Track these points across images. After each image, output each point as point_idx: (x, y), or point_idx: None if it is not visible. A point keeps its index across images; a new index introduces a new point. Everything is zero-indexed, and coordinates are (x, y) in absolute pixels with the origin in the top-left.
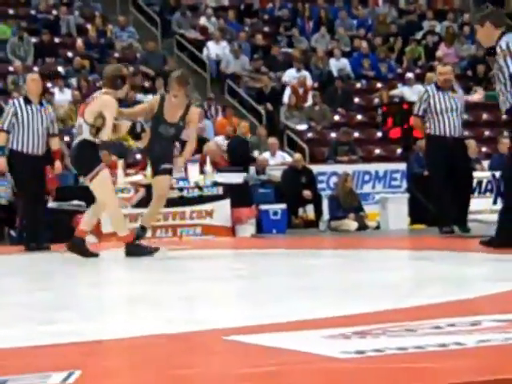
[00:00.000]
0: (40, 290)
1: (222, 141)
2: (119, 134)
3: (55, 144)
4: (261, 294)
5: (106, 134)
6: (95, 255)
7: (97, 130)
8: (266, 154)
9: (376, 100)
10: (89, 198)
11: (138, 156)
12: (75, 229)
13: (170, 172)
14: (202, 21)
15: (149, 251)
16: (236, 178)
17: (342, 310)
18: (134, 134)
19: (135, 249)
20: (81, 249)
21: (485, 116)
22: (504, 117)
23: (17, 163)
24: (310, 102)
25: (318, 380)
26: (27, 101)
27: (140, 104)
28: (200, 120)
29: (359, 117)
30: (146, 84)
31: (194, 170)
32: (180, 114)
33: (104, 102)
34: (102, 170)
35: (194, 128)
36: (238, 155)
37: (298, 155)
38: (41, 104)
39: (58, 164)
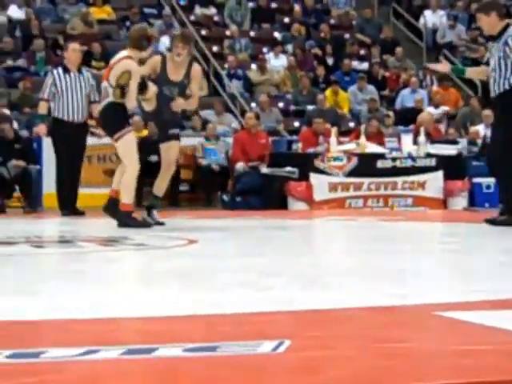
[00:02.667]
0: (255, 256)
1: (436, 111)
2: (148, 96)
3: (96, 111)
4: (471, 270)
5: (131, 101)
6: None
7: (121, 92)
8: (480, 126)
9: None
10: (301, 166)
11: (352, 124)
12: (286, 195)
13: (177, 137)
14: None
15: (141, 224)
16: (450, 149)
17: None
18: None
19: (129, 220)
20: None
21: None
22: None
23: (57, 130)
24: None
25: None
26: (66, 70)
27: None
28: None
29: None
30: (362, 52)
31: (407, 141)
32: (183, 72)
33: (127, 67)
34: (129, 132)
35: (196, 84)
36: None
37: None
38: (80, 72)
39: (100, 131)
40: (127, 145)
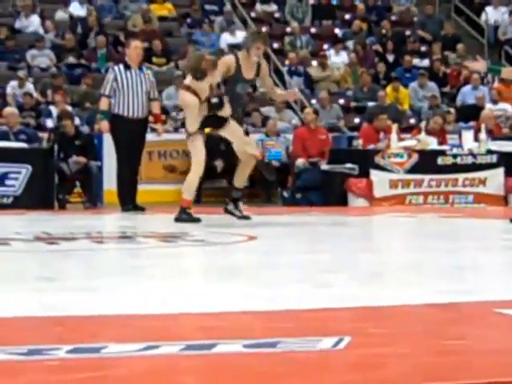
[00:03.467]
0: (315, 252)
1: (495, 107)
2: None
3: (156, 108)
4: None
5: (192, 127)
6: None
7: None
8: None
9: None
10: (361, 162)
11: (412, 121)
12: (346, 191)
13: (247, 133)
14: None
15: (192, 219)
16: (511, 146)
17: None
18: (215, 106)
19: (185, 215)
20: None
21: None
22: None
23: (118, 126)
24: None
25: None
26: (127, 66)
27: None
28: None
29: None
30: (423, 48)
31: (468, 137)
32: (254, 69)
33: (184, 102)
34: (199, 134)
35: (268, 80)
36: None
37: None
38: (140, 69)
39: (159, 127)
40: (194, 145)
